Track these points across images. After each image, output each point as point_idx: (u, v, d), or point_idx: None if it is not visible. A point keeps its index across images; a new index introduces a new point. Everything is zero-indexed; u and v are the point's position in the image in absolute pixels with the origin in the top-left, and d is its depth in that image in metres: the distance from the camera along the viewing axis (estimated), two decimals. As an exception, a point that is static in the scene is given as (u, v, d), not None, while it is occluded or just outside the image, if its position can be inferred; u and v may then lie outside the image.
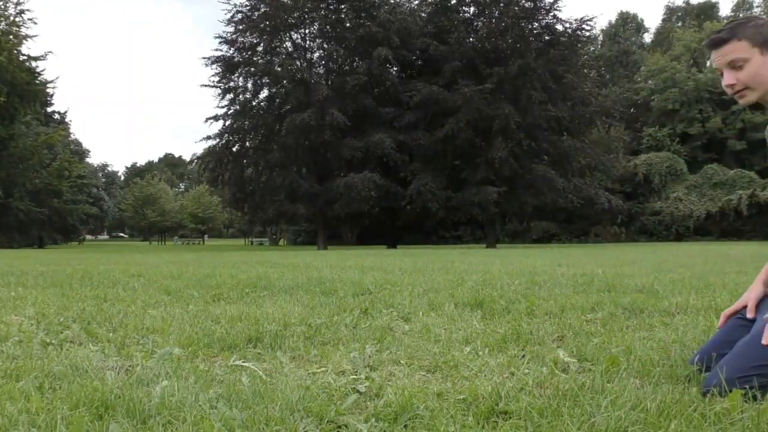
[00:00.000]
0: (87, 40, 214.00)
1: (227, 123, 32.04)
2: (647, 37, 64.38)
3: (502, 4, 30.13)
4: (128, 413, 1.48)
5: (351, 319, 3.06)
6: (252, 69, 31.57)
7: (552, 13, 30.88)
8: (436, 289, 4.64)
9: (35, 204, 36.75)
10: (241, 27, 31.33)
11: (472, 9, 32.44)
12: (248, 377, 1.84)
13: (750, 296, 1.96)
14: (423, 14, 33.98)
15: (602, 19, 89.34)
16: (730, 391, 1.53)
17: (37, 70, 36.90)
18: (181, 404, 1.52)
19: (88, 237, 73.31)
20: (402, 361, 2.11)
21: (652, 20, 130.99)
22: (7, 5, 35.18)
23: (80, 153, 54.84)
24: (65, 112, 51.71)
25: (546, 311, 3.29)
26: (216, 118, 32.07)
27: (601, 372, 1.82)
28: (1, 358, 2.16)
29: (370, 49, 29.52)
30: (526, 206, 29.90)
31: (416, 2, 35.23)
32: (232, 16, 31.28)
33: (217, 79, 31.62)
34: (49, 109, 44.66)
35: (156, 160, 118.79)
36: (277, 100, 32.27)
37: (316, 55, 33.29)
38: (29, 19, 36.39)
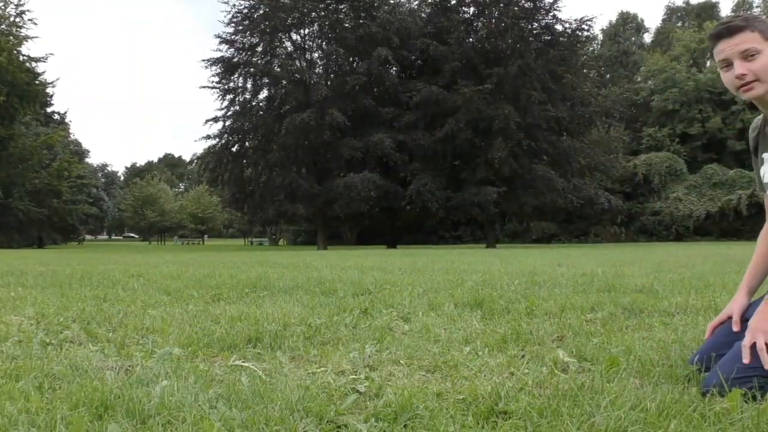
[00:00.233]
0: (87, 40, 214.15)
1: (227, 123, 32.08)
2: (647, 37, 64.43)
3: (501, 5, 30.16)
4: (128, 413, 1.48)
5: (351, 319, 3.06)
6: (252, 69, 31.58)
7: (552, 14, 30.95)
8: (436, 289, 4.63)
9: (35, 204, 36.77)
10: (240, 27, 31.35)
11: (471, 9, 32.47)
12: (248, 377, 1.84)
13: (734, 307, 1.92)
14: (423, 14, 34.01)
15: (602, 19, 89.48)
16: (730, 391, 1.53)
17: (38, 71, 36.97)
18: (180, 404, 1.52)
19: (88, 237, 73.34)
20: (402, 361, 2.10)
21: (652, 20, 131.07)
22: (7, 6, 35.23)
23: (80, 153, 54.80)
24: (65, 113, 51.74)
25: (546, 311, 3.29)
26: (216, 119, 32.12)
27: (600, 372, 1.82)
28: (0, 358, 2.16)
29: (370, 49, 29.53)
30: (525, 206, 29.91)
31: (416, 2, 35.27)
32: (232, 17, 31.31)
33: (216, 79, 31.68)
34: (48, 110, 44.66)
35: (156, 160, 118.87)
36: (277, 101, 32.27)
37: (316, 55, 33.33)
38: (29, 20, 36.44)
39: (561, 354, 2.10)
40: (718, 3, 59.45)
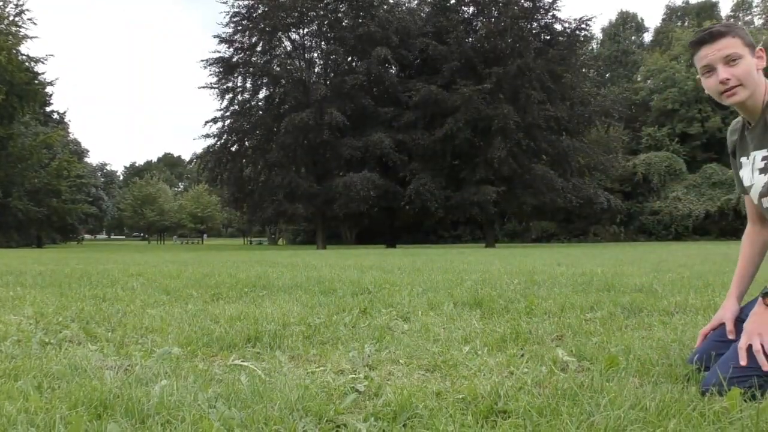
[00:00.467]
0: (87, 40, 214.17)
1: (226, 123, 32.04)
2: (647, 37, 64.42)
3: (501, 4, 30.15)
4: (127, 413, 1.48)
5: (350, 318, 3.06)
6: (251, 69, 31.57)
7: (551, 13, 30.95)
8: (435, 288, 4.63)
9: (34, 203, 36.73)
10: (239, 27, 31.32)
11: (471, 9, 32.46)
12: (247, 377, 1.84)
13: (726, 315, 1.92)
14: (422, 14, 33.98)
15: (602, 18, 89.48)
16: (729, 390, 1.53)
17: (37, 71, 36.92)
18: (179, 404, 1.52)
19: (87, 236, 73.28)
20: (401, 361, 2.10)
21: (652, 20, 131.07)
22: (7, 5, 35.18)
23: (79, 152, 54.77)
24: (64, 112, 51.83)
25: (545, 310, 3.29)
26: (215, 120, 32.08)
27: (600, 371, 1.82)
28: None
29: (369, 49, 29.51)
30: (525, 206, 29.91)
31: (415, 2, 35.25)
32: (232, 16, 31.29)
33: (215, 79, 31.64)
34: (48, 109, 44.67)
35: (155, 159, 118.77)
36: (276, 100, 32.26)
37: (315, 54, 33.31)
38: (29, 20, 36.46)
39: (560, 353, 2.10)
40: (718, 3, 59.49)
